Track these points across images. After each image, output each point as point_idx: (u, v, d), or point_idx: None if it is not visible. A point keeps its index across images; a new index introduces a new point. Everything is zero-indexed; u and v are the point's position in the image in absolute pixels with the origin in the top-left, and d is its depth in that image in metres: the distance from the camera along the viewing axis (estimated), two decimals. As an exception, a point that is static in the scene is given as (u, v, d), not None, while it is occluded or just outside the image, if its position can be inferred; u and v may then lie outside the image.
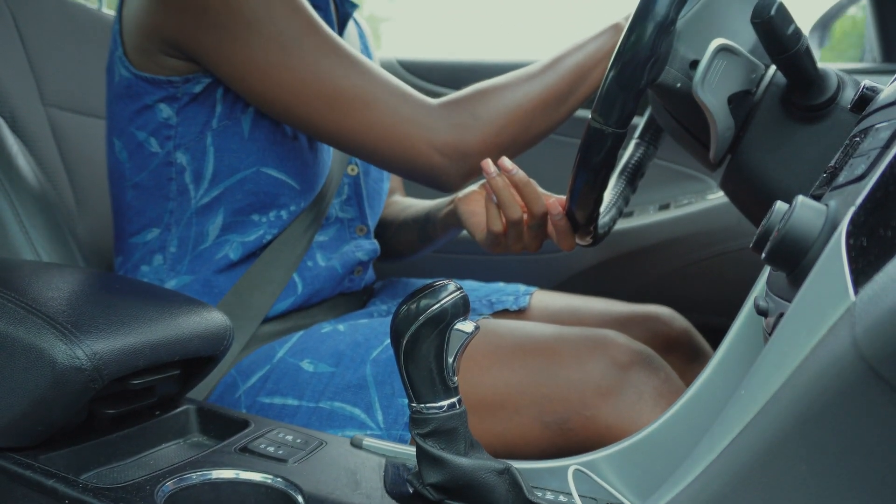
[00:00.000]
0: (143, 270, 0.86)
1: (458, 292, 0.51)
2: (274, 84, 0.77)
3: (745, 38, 0.71)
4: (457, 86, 1.70)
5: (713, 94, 0.68)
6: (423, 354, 0.50)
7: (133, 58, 0.82)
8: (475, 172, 0.82)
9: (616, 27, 0.87)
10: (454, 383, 0.52)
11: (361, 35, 1.07)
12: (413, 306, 0.50)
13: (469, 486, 0.51)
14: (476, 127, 0.81)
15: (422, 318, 0.50)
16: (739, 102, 0.70)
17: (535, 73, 0.85)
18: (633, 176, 0.93)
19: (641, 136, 0.95)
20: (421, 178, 0.82)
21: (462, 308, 0.51)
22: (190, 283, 0.85)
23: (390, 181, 1.13)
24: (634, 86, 0.62)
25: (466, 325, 0.51)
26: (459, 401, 0.52)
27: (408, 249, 1.07)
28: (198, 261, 0.85)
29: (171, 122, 0.83)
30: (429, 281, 0.53)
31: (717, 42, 0.67)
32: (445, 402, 0.51)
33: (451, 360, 0.51)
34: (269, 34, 0.75)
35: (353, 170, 0.96)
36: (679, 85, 0.70)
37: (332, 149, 0.91)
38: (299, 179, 0.86)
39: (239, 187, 0.83)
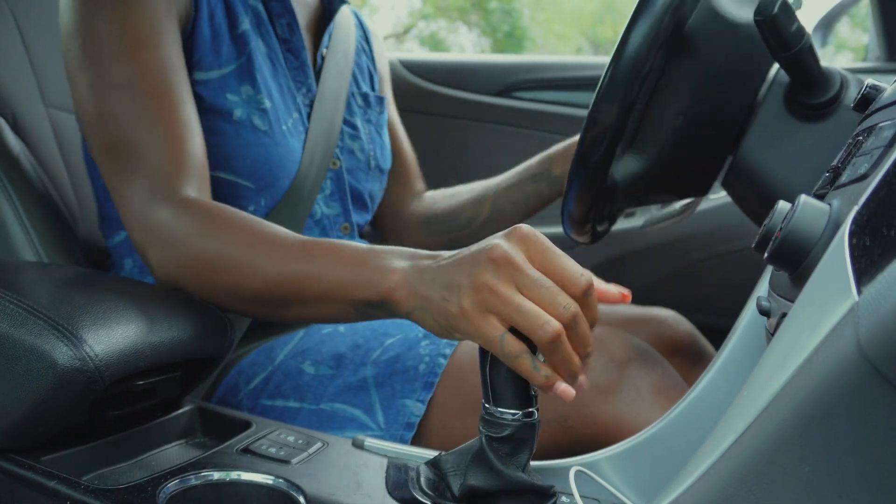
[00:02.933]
0: (120, 274, 0.86)
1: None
2: (76, 95, 0.73)
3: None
4: (458, 86, 1.70)
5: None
6: None
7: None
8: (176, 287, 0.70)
9: (379, 275, 0.59)
10: (535, 392, 0.51)
11: (365, 38, 1.05)
12: None
13: (505, 497, 0.50)
14: (173, 240, 0.67)
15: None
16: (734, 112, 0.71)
17: (283, 253, 0.64)
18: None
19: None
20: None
21: None
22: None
23: (407, 179, 1.11)
24: (638, 74, 0.62)
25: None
26: (537, 410, 0.51)
27: (453, 231, 1.07)
28: None
29: None
30: None
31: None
32: (521, 411, 0.50)
33: None
34: (75, 45, 0.71)
35: (335, 164, 0.93)
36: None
37: (304, 140, 0.86)
38: (254, 178, 0.82)
39: None
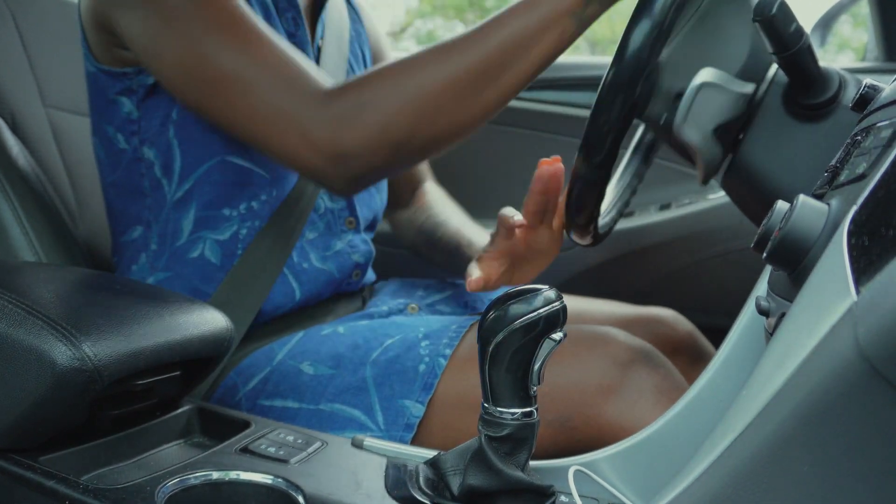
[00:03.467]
0: (132, 270, 0.86)
1: (557, 302, 0.50)
2: (165, 62, 0.72)
3: (732, 62, 0.69)
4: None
5: (697, 130, 0.68)
6: (509, 360, 0.49)
7: (94, 51, 0.82)
8: (365, 179, 0.72)
9: None
10: (534, 392, 0.51)
11: (355, 19, 1.04)
12: (506, 310, 0.49)
13: (504, 497, 0.50)
14: (359, 121, 0.68)
15: (516, 324, 0.48)
16: (725, 132, 0.71)
17: (453, 46, 0.68)
18: (647, 155, 0.93)
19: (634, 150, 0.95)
20: (309, 179, 0.74)
21: (561, 319, 0.50)
22: (167, 280, 0.84)
23: (417, 168, 1.09)
24: (640, 74, 0.62)
25: (556, 334, 0.50)
26: (536, 410, 0.51)
27: (419, 254, 1.07)
28: (175, 258, 0.84)
29: (133, 117, 0.82)
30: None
31: (699, 78, 0.67)
32: (521, 410, 0.50)
33: (537, 366, 0.50)
34: (162, 7, 0.71)
35: None
36: (663, 121, 0.70)
37: None
38: (268, 167, 0.83)
39: (206, 179, 0.82)
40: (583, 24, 0.67)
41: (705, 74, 0.67)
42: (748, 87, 0.69)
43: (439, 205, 1.07)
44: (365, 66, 1.03)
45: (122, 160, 0.84)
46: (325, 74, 0.74)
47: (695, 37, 0.72)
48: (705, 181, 0.74)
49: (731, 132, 0.71)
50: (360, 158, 0.69)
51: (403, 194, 1.10)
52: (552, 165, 0.75)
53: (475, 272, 0.78)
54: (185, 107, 0.76)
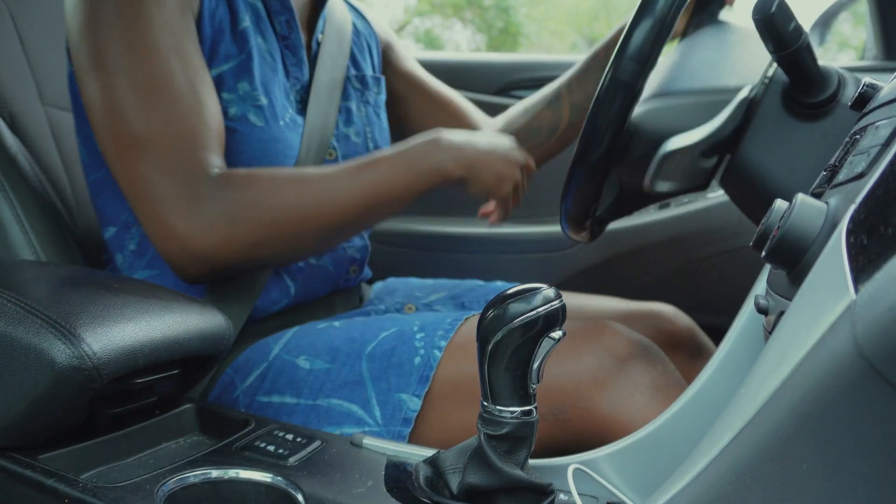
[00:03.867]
0: (110, 269, 0.86)
1: (556, 301, 0.50)
2: (86, 96, 0.74)
3: (697, 122, 0.72)
4: (456, 85, 1.70)
5: (668, 184, 0.72)
6: (508, 358, 0.49)
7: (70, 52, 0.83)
8: (215, 276, 0.75)
9: (432, 143, 0.81)
10: (534, 390, 0.51)
11: (359, 17, 1.04)
12: (505, 309, 0.49)
13: (503, 495, 0.50)
14: (228, 231, 0.71)
15: (515, 322, 0.49)
16: (700, 172, 0.74)
17: (338, 188, 0.75)
18: None
19: None
20: (164, 260, 0.75)
21: (560, 318, 0.50)
22: (151, 279, 0.84)
23: (466, 114, 1.11)
24: (638, 75, 0.62)
25: (555, 332, 0.50)
26: (535, 409, 0.51)
27: (541, 132, 1.07)
28: (159, 259, 0.84)
29: None
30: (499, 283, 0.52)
31: (661, 150, 0.69)
32: (520, 409, 0.50)
33: (536, 365, 0.50)
34: (97, 45, 0.73)
35: (330, 154, 0.92)
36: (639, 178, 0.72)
37: (301, 132, 0.87)
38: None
39: None
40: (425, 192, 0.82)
41: (671, 143, 0.70)
42: (717, 123, 0.71)
43: (510, 109, 1.11)
44: (371, 59, 1.04)
45: (101, 161, 0.84)
46: (218, 157, 0.75)
47: (661, 106, 0.75)
48: (703, 189, 0.76)
49: (706, 173, 0.75)
50: (217, 261, 0.73)
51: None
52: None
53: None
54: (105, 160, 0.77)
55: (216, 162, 0.74)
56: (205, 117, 0.74)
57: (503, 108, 1.54)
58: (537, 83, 1.55)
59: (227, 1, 0.82)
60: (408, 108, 1.11)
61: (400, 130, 1.12)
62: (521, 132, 1.06)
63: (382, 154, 0.79)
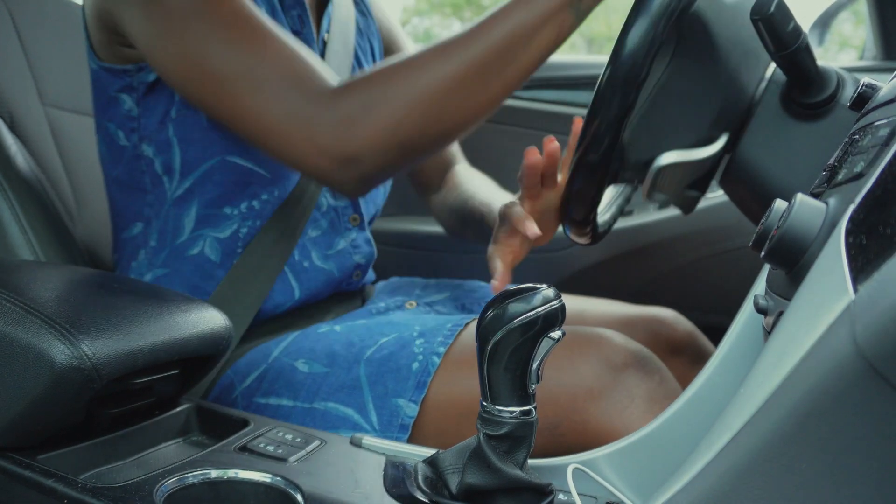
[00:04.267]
0: (132, 266, 0.86)
1: (556, 301, 0.50)
2: (171, 61, 0.71)
3: (689, 134, 0.72)
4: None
5: (664, 196, 0.72)
6: (507, 358, 0.49)
7: (96, 49, 0.82)
8: (375, 178, 0.72)
9: None
10: (533, 390, 0.51)
11: (364, 13, 1.03)
12: (505, 309, 0.49)
13: (502, 495, 0.50)
14: (366, 121, 0.68)
15: (515, 322, 0.48)
16: (695, 184, 0.75)
17: (455, 42, 0.69)
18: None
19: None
20: (317, 180, 0.73)
21: (560, 318, 0.50)
22: (164, 277, 0.84)
23: (446, 151, 1.08)
24: (636, 75, 0.62)
25: (554, 332, 0.50)
26: (534, 409, 0.51)
27: (455, 234, 1.07)
28: (174, 255, 0.84)
29: (133, 114, 0.82)
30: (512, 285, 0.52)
31: (656, 164, 0.70)
32: (519, 409, 0.50)
33: (535, 365, 0.50)
34: (167, 6, 0.70)
35: None
36: (635, 186, 0.72)
37: None
38: (269, 167, 0.82)
39: (208, 178, 0.82)
40: (580, 15, 0.68)
41: (664, 158, 0.70)
42: (709, 150, 0.71)
43: (468, 181, 1.06)
44: (374, 58, 1.03)
45: (123, 157, 0.84)
46: (332, 72, 0.73)
47: (653, 115, 0.75)
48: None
49: (702, 184, 0.76)
50: (369, 160, 0.69)
51: (433, 179, 1.10)
52: (548, 147, 0.78)
53: (496, 264, 0.79)
54: (191, 105, 0.75)
55: (331, 76, 0.72)
56: (296, 45, 0.72)
57: (502, 107, 1.54)
58: (535, 83, 1.55)
59: None
60: None
61: None
62: (441, 213, 1.07)
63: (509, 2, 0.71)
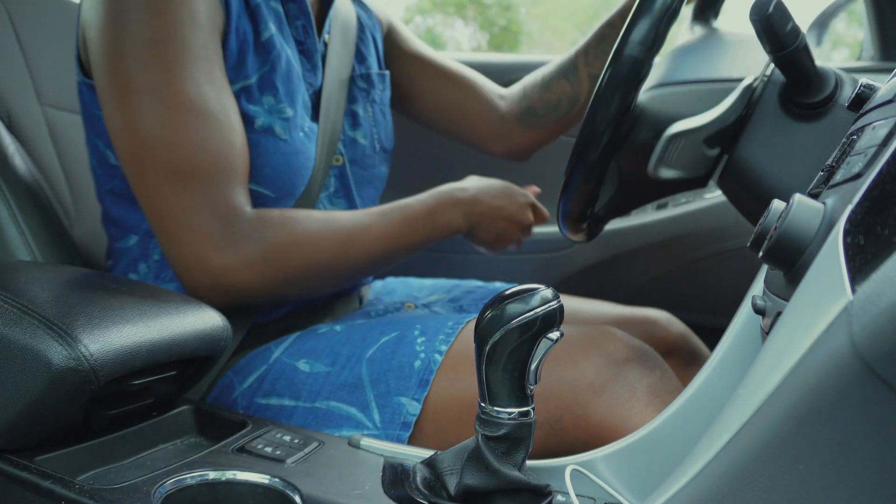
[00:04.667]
0: (131, 278, 0.86)
1: (554, 301, 0.50)
2: (108, 118, 0.74)
3: (701, 108, 0.72)
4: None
5: (673, 167, 0.71)
6: (505, 359, 0.49)
7: (83, 62, 0.82)
8: (237, 304, 0.77)
9: (442, 200, 0.88)
10: (531, 391, 0.51)
11: (363, 7, 1.03)
12: (503, 310, 0.49)
13: (501, 496, 0.50)
14: (260, 271, 0.74)
15: (513, 323, 0.48)
16: (704, 159, 0.73)
17: (357, 238, 0.81)
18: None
19: None
20: (184, 288, 0.76)
21: (558, 318, 0.50)
22: (180, 290, 0.84)
23: (478, 88, 1.08)
24: (636, 75, 0.62)
25: (553, 333, 0.50)
26: (533, 410, 0.51)
27: (561, 102, 1.05)
28: None
29: None
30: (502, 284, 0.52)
31: (668, 132, 0.69)
32: (517, 410, 0.50)
33: (533, 366, 0.50)
34: (120, 66, 0.72)
35: (337, 160, 0.92)
36: (651, 141, 0.72)
37: (315, 142, 0.86)
38: (273, 187, 0.82)
39: None
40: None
41: (676, 126, 0.69)
42: (720, 109, 0.71)
43: (535, 72, 1.07)
44: (376, 52, 1.03)
45: (116, 173, 0.84)
46: (246, 196, 0.76)
47: (666, 90, 0.75)
48: (703, 185, 0.76)
49: (708, 163, 0.74)
50: (243, 295, 0.75)
51: (491, 108, 1.09)
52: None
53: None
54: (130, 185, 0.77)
55: (247, 199, 0.76)
56: (237, 149, 0.75)
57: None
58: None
59: (249, 12, 0.81)
60: (419, 86, 1.09)
61: (411, 109, 1.11)
62: (538, 105, 1.04)
63: (404, 206, 0.86)
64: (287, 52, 0.83)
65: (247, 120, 0.79)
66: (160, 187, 0.72)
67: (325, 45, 0.92)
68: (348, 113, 0.94)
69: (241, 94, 0.79)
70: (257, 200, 0.82)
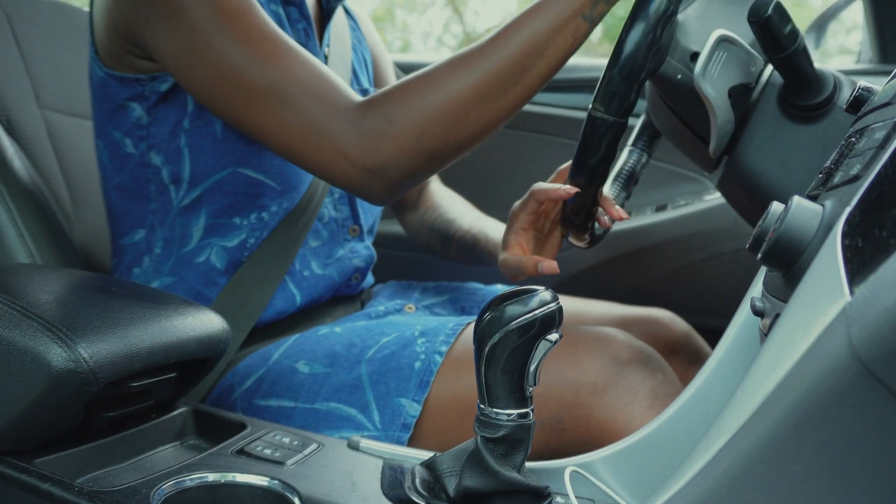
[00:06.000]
0: (135, 273, 0.86)
1: (553, 303, 0.50)
2: (197, 76, 0.72)
3: (745, 32, 0.70)
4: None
5: (714, 86, 0.67)
6: (504, 361, 0.49)
7: (103, 57, 0.82)
8: (403, 186, 0.74)
9: None
10: (530, 393, 0.51)
11: (355, 28, 1.04)
12: (502, 312, 0.49)
13: (500, 498, 0.50)
14: (391, 133, 0.70)
15: (512, 325, 0.48)
16: (738, 98, 0.70)
17: (473, 54, 0.71)
18: (627, 182, 0.93)
19: (635, 143, 0.95)
20: (345, 190, 0.75)
21: (557, 320, 0.50)
22: (172, 285, 0.84)
23: None
24: (636, 77, 0.62)
25: (552, 335, 0.50)
26: (532, 411, 0.51)
27: (434, 252, 1.08)
28: (181, 263, 0.84)
29: (143, 122, 0.82)
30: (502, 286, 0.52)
31: (718, 33, 0.66)
32: (516, 411, 0.50)
33: (533, 367, 0.50)
34: (192, 23, 0.71)
35: None
36: (680, 77, 0.70)
37: None
38: (280, 179, 0.83)
39: (217, 189, 0.82)
40: (593, 22, 0.69)
41: (724, 31, 0.67)
42: (759, 58, 0.69)
43: (448, 202, 1.08)
44: (367, 71, 1.04)
45: (128, 164, 0.84)
46: (353, 90, 0.74)
47: (712, 1, 0.72)
48: (716, 153, 0.72)
49: (743, 102, 0.71)
50: (396, 169, 0.71)
51: (410, 197, 1.10)
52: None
53: (513, 250, 0.80)
54: (220, 118, 0.76)
55: (353, 93, 0.73)
56: (317, 63, 0.74)
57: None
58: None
59: None
60: None
61: None
62: (422, 234, 1.08)
63: (523, 12, 0.72)
64: None
65: None
66: (270, 112, 0.71)
67: (326, 57, 0.93)
68: None
69: None
70: (262, 191, 0.83)
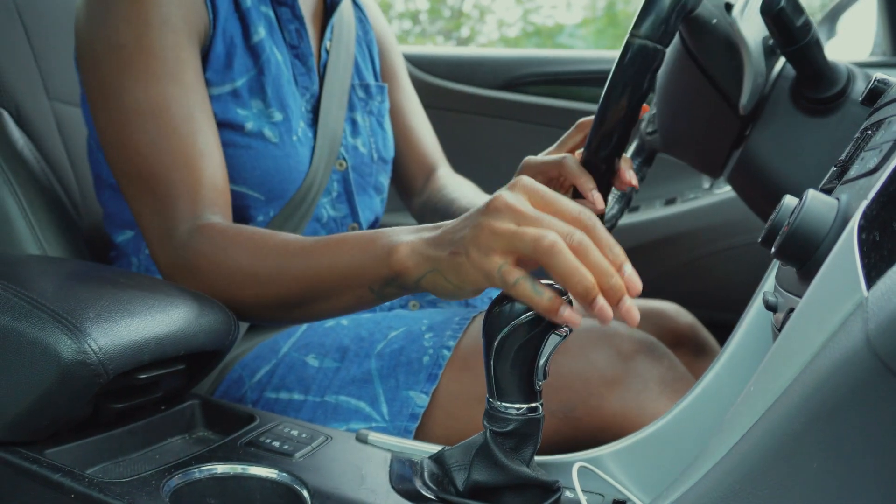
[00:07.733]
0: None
1: (563, 296, 0.49)
2: (98, 123, 0.75)
3: None
4: (461, 80, 1.69)
5: (750, 30, 0.65)
6: (514, 354, 0.49)
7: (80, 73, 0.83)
8: None
9: (388, 250, 0.59)
10: (540, 387, 0.51)
11: (362, 18, 1.03)
12: (512, 305, 0.48)
13: (509, 492, 0.50)
14: (196, 275, 0.70)
15: (522, 318, 0.48)
16: (769, 54, 0.68)
17: (299, 250, 0.66)
18: (622, 197, 0.91)
19: (633, 157, 0.94)
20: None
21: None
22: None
23: (428, 155, 1.09)
24: (684, 6, 0.60)
25: (562, 329, 0.49)
26: (541, 405, 0.51)
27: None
28: None
29: None
30: None
31: None
32: (526, 406, 0.50)
33: (542, 361, 0.50)
34: (92, 69, 0.74)
35: (341, 165, 0.92)
36: (715, 21, 0.68)
37: (313, 146, 0.87)
38: (263, 189, 0.82)
39: None
40: (380, 298, 0.64)
41: None
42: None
43: (452, 184, 1.06)
44: (373, 64, 1.03)
45: None
46: (215, 205, 0.73)
47: None
48: (746, 108, 0.68)
49: (775, 56, 0.69)
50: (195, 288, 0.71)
51: (416, 182, 1.09)
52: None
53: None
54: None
55: (202, 211, 0.72)
56: (200, 150, 0.73)
57: (508, 103, 1.54)
58: (542, 78, 1.54)
59: (239, 13, 0.81)
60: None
61: None
62: (437, 211, 1.05)
63: (346, 234, 0.67)
64: (277, 56, 0.83)
65: (236, 123, 0.79)
66: (126, 188, 0.74)
67: (328, 52, 0.92)
68: (349, 120, 0.95)
69: (230, 97, 0.79)
70: (246, 202, 0.82)
